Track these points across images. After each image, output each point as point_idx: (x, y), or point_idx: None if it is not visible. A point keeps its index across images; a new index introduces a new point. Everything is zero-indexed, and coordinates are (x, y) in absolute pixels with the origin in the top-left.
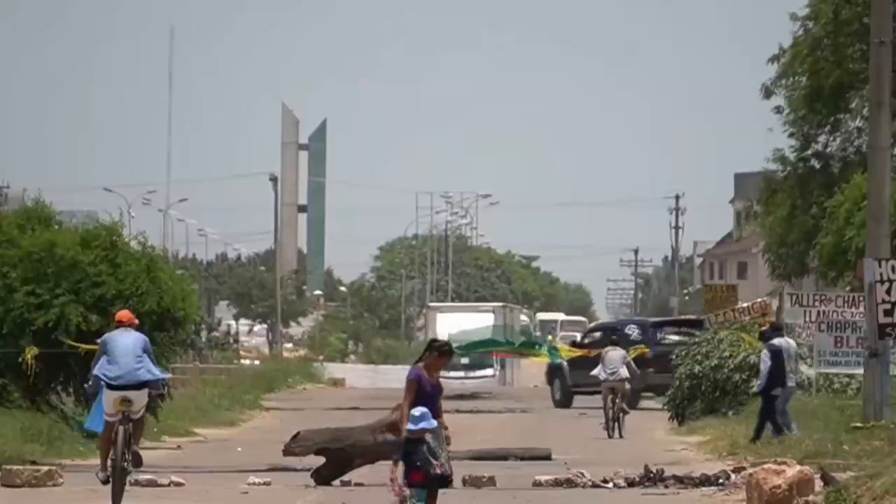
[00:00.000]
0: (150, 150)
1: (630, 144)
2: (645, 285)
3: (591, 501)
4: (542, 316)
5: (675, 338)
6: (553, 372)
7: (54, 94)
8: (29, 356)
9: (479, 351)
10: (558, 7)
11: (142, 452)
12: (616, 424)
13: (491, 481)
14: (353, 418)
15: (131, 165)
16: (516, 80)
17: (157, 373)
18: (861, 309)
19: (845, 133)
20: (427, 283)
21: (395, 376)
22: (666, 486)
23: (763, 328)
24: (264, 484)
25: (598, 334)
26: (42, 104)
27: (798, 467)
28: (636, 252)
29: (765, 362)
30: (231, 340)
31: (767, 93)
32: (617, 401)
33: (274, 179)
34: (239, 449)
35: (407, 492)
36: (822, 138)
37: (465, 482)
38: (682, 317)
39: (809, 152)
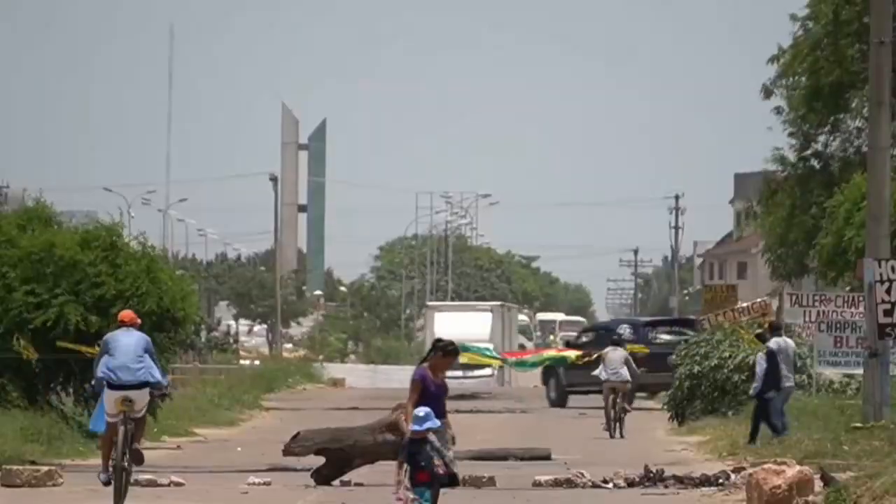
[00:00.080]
0: (150, 150)
1: (630, 144)
2: (645, 285)
3: (591, 501)
4: (541, 316)
5: (668, 337)
6: (548, 372)
7: (54, 94)
8: (25, 352)
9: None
10: (558, 7)
11: (142, 452)
12: (617, 425)
13: (491, 481)
14: (353, 418)
15: (131, 165)
16: (516, 80)
17: (158, 375)
18: (861, 309)
19: (845, 133)
20: (427, 283)
21: (395, 376)
22: (666, 487)
23: (759, 331)
24: (264, 484)
25: (591, 335)
26: (42, 104)
27: (798, 467)
28: (636, 252)
29: (760, 365)
30: (231, 341)
31: (767, 93)
32: (618, 401)
33: (274, 179)
34: (239, 449)
35: (410, 495)
36: (821, 138)
37: (464, 482)
38: (675, 317)
39: (809, 152)
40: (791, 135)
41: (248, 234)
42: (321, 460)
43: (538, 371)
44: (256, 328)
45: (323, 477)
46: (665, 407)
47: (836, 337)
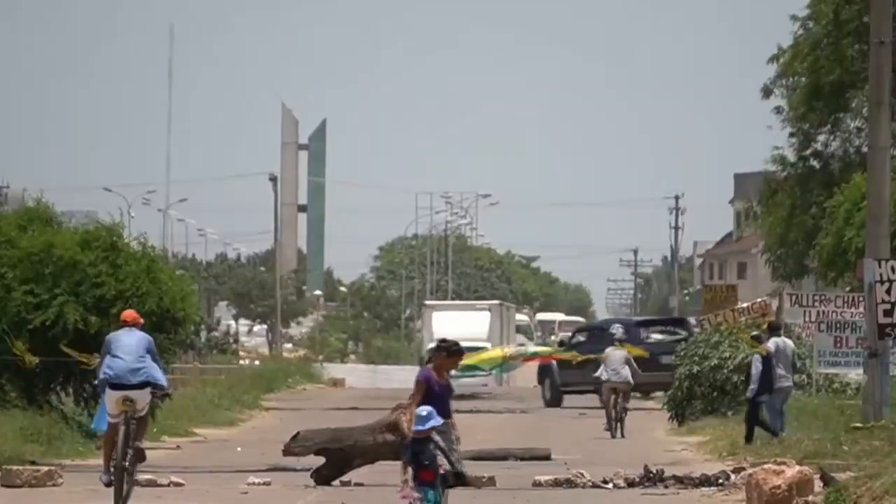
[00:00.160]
0: (150, 150)
1: (630, 144)
2: (645, 285)
3: (591, 502)
4: (541, 316)
5: (660, 337)
6: (543, 372)
7: (54, 94)
8: (25, 358)
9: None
10: (558, 7)
11: (144, 450)
12: (618, 425)
13: (491, 481)
14: (353, 418)
15: (131, 165)
16: (516, 80)
17: (160, 376)
18: (861, 309)
19: (845, 133)
20: (427, 283)
21: (395, 376)
22: (666, 487)
23: (754, 332)
24: (264, 484)
25: (585, 334)
26: (42, 104)
27: (798, 468)
28: (636, 252)
29: (756, 367)
30: (231, 341)
31: (767, 92)
32: (619, 401)
33: (274, 179)
34: (238, 449)
35: (416, 494)
36: (821, 138)
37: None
38: (667, 316)
39: (809, 152)
40: (791, 134)
41: (248, 234)
42: (321, 460)
43: (535, 371)
44: (256, 328)
45: (323, 477)
46: (665, 407)
47: (836, 337)
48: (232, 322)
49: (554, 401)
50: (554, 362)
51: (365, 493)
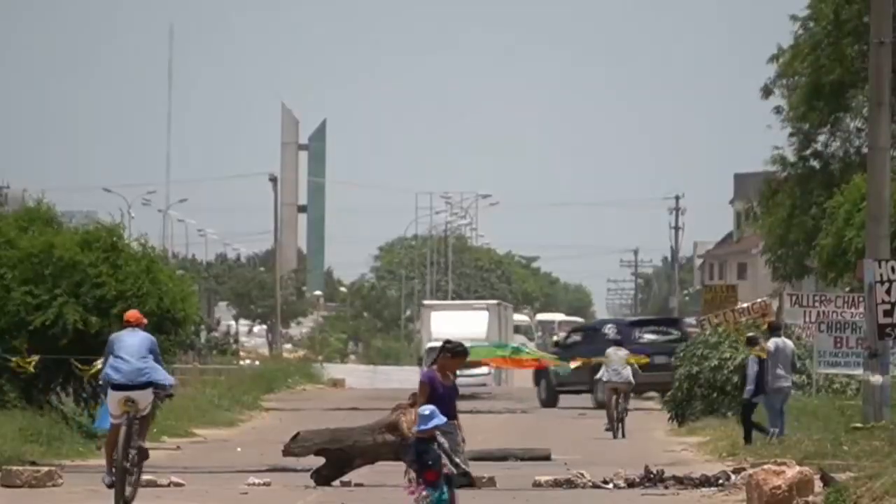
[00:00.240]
0: (150, 150)
1: (630, 144)
2: (645, 286)
3: (591, 502)
4: (541, 317)
5: (652, 337)
6: (539, 373)
7: (54, 94)
8: (29, 365)
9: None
10: (558, 7)
11: (146, 449)
12: (619, 425)
13: (491, 482)
14: (353, 419)
15: (131, 165)
16: (516, 80)
17: (161, 377)
18: (861, 309)
19: (845, 133)
20: (427, 283)
21: (395, 377)
22: (666, 487)
23: (749, 334)
24: (264, 484)
25: (580, 335)
26: (42, 104)
27: (798, 468)
28: (636, 252)
29: (752, 367)
30: (231, 341)
31: (767, 92)
32: (620, 401)
33: (274, 179)
34: (238, 449)
35: (424, 492)
36: (821, 138)
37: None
38: (660, 316)
39: (809, 152)
40: (791, 134)
41: (248, 235)
42: (321, 461)
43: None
44: (256, 328)
45: (323, 477)
46: (664, 407)
47: (836, 337)
48: (232, 322)
49: (550, 401)
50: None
51: (365, 494)
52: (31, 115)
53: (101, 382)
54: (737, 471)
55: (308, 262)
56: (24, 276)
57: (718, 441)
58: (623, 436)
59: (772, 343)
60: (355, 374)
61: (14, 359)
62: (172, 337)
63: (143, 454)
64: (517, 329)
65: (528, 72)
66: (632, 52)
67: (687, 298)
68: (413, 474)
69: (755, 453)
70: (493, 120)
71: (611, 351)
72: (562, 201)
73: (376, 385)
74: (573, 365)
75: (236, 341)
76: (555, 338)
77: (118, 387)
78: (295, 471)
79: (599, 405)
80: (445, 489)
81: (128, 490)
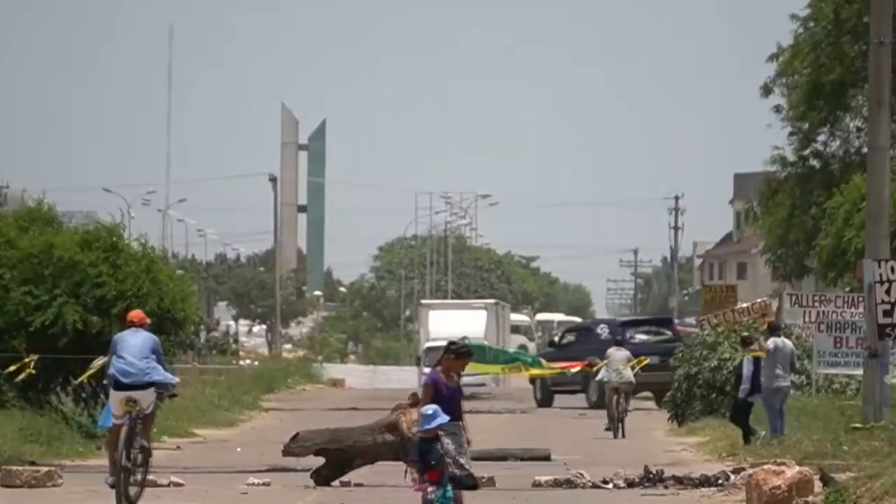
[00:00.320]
0: (150, 150)
1: (630, 144)
2: (645, 286)
3: (591, 502)
4: (540, 316)
5: (644, 337)
6: None
7: (54, 94)
8: (28, 366)
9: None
10: (558, 7)
11: (149, 448)
12: (619, 425)
13: (490, 482)
14: (353, 419)
15: (131, 165)
16: (516, 80)
17: (161, 376)
18: (860, 309)
19: (844, 132)
20: (427, 283)
21: (395, 377)
22: (665, 487)
23: (744, 334)
24: (264, 484)
25: (574, 335)
26: (42, 104)
27: (797, 468)
28: (636, 252)
29: (747, 367)
30: (230, 341)
31: (767, 91)
32: (621, 401)
33: (273, 180)
34: (238, 449)
35: (430, 488)
36: (821, 137)
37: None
38: (652, 316)
39: (809, 151)
40: (791, 133)
41: (248, 234)
42: (321, 461)
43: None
44: (256, 328)
45: (322, 477)
46: (664, 407)
47: (835, 337)
48: (232, 322)
49: (545, 401)
50: (544, 361)
51: (365, 494)
52: (31, 115)
53: (104, 382)
54: (736, 471)
55: (308, 262)
56: (24, 276)
57: (718, 441)
58: (623, 436)
59: (771, 342)
60: (355, 374)
61: (13, 367)
62: (172, 337)
63: (147, 453)
64: (517, 329)
65: (528, 72)
66: (632, 52)
67: (687, 298)
68: (417, 474)
69: (755, 453)
70: (493, 120)
71: (612, 351)
72: (561, 201)
73: (376, 385)
74: (574, 370)
75: (236, 341)
76: (556, 337)
77: (120, 386)
78: (295, 471)
79: (592, 405)
80: (450, 489)
81: (133, 490)
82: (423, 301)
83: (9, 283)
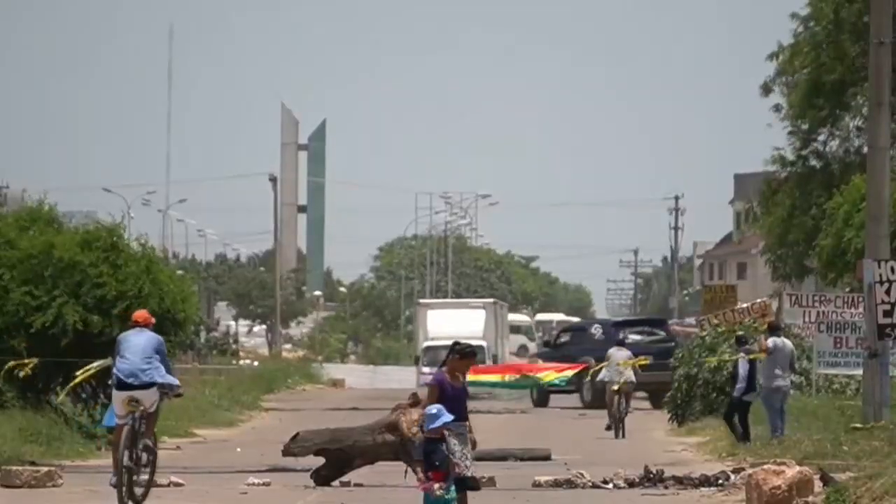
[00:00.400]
0: (150, 151)
1: (630, 144)
2: (645, 286)
3: (591, 502)
4: (540, 317)
5: (637, 338)
6: None
7: (54, 94)
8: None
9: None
10: (558, 7)
11: (152, 447)
12: (620, 425)
13: (491, 482)
14: (353, 419)
15: (131, 165)
16: (516, 80)
17: (162, 377)
18: (860, 309)
19: (844, 132)
20: (427, 283)
21: (395, 377)
22: (666, 487)
23: (739, 333)
24: (264, 484)
25: (568, 335)
26: (42, 104)
27: (797, 468)
28: (636, 252)
29: (743, 366)
30: (230, 341)
31: (766, 90)
32: (622, 401)
33: (273, 180)
34: (238, 449)
35: (435, 485)
36: (821, 137)
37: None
38: (645, 317)
39: (808, 150)
40: (790, 133)
41: (248, 235)
42: (321, 461)
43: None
44: (256, 328)
45: (322, 477)
46: (665, 407)
47: (835, 338)
48: (232, 322)
49: (541, 401)
50: (540, 361)
51: (365, 494)
52: (31, 115)
53: (109, 382)
54: (736, 471)
55: (308, 262)
56: (24, 276)
57: (718, 441)
58: (623, 436)
59: (770, 342)
60: (355, 374)
61: (11, 363)
62: (173, 338)
63: (151, 453)
64: (517, 329)
65: (528, 72)
66: (632, 52)
67: (687, 298)
68: (422, 473)
69: (755, 453)
70: (493, 120)
71: (613, 351)
72: (561, 201)
73: (376, 385)
74: (570, 373)
75: (236, 341)
76: (546, 337)
77: (122, 386)
78: (295, 471)
79: (587, 405)
80: (454, 489)
81: (139, 490)
82: (421, 300)
83: (8, 283)
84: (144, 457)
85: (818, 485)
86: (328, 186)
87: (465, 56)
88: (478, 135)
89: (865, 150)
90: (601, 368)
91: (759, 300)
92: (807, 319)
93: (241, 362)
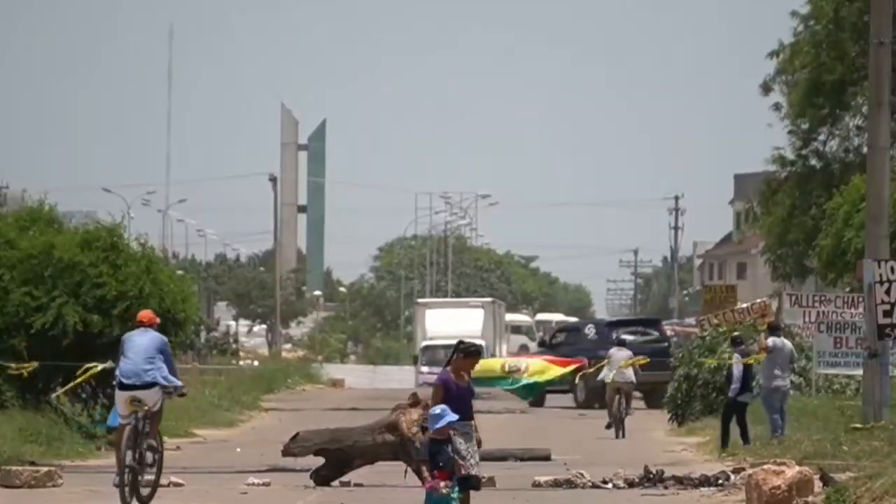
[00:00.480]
0: (150, 150)
1: (630, 144)
2: (645, 286)
3: (591, 502)
4: (540, 317)
5: (631, 338)
6: None
7: (54, 94)
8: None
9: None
10: (558, 7)
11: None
12: (620, 425)
13: (490, 482)
14: (353, 419)
15: (131, 165)
16: (516, 80)
17: (164, 377)
18: (860, 309)
19: (844, 131)
20: (427, 283)
21: (395, 377)
22: (665, 487)
23: (734, 334)
24: (263, 485)
25: (563, 335)
26: (42, 104)
27: (797, 468)
28: (636, 252)
29: (737, 367)
30: (230, 341)
31: (766, 88)
32: (622, 402)
33: (273, 180)
34: (238, 450)
35: (441, 483)
36: (821, 137)
37: None
38: (639, 317)
39: (808, 150)
40: (790, 132)
41: (248, 235)
42: (320, 461)
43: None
44: (256, 328)
45: (322, 477)
46: (666, 408)
47: (835, 338)
48: (231, 322)
49: (537, 401)
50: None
51: (364, 494)
52: (31, 115)
53: (114, 383)
54: (736, 471)
55: (308, 263)
56: (24, 276)
57: (718, 441)
58: (623, 436)
59: (770, 342)
60: (355, 374)
61: (12, 366)
62: (173, 338)
63: (156, 452)
64: (518, 329)
65: (528, 72)
66: (632, 52)
67: (686, 299)
68: (427, 473)
69: (755, 453)
70: (493, 120)
71: (613, 351)
72: (561, 201)
73: (376, 385)
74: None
75: (236, 341)
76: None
77: (123, 386)
78: (294, 471)
79: (580, 404)
80: (457, 490)
81: (145, 490)
82: (419, 300)
83: (8, 284)
84: (149, 456)
85: (818, 485)
86: (328, 186)
87: (465, 56)
88: (478, 135)
89: (865, 149)
90: (599, 368)
91: (759, 300)
92: (807, 319)
93: (241, 362)
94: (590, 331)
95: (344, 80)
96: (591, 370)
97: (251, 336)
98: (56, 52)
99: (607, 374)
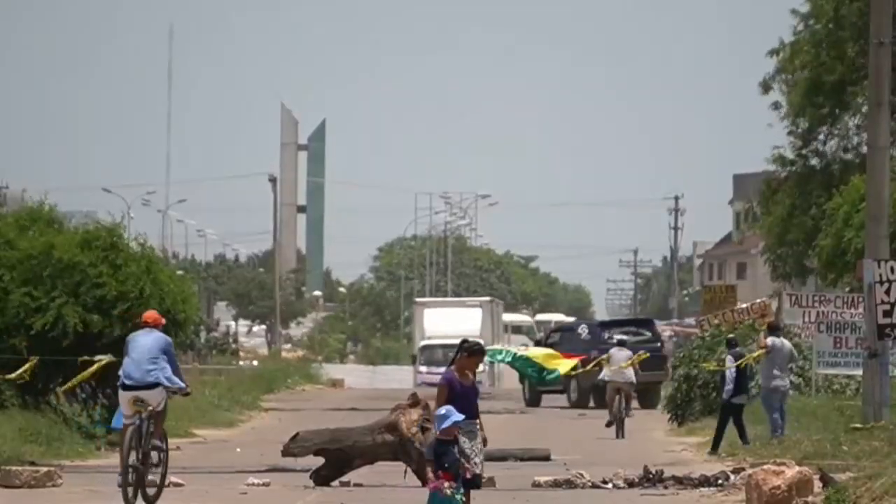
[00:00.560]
0: (150, 151)
1: (630, 144)
2: (645, 286)
3: (591, 502)
4: (540, 317)
5: (623, 338)
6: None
7: (54, 94)
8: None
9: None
10: (558, 7)
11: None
12: (620, 425)
13: (490, 482)
14: (353, 419)
15: (131, 165)
16: (516, 80)
17: (166, 377)
18: (860, 310)
19: (843, 131)
20: (426, 283)
21: (394, 377)
22: (665, 487)
23: (729, 335)
24: (263, 485)
25: (558, 335)
26: (42, 104)
27: (797, 468)
28: (636, 252)
29: (731, 369)
30: (230, 341)
31: (766, 87)
32: (622, 402)
33: (273, 180)
34: (238, 450)
35: (445, 483)
36: (821, 136)
37: None
38: (632, 317)
39: (808, 150)
40: (790, 132)
41: (248, 235)
42: (320, 461)
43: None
44: (256, 328)
45: (322, 478)
46: (666, 409)
47: (835, 338)
48: (231, 322)
49: (533, 401)
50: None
51: (364, 494)
52: (31, 115)
53: (118, 383)
54: (736, 471)
55: (307, 263)
56: (24, 277)
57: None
58: (623, 436)
59: (769, 341)
60: (354, 375)
61: (13, 375)
62: (173, 338)
63: (162, 452)
64: (518, 329)
65: (528, 72)
66: (632, 52)
67: (686, 299)
68: (431, 473)
69: (755, 453)
70: (493, 120)
71: (613, 351)
72: (561, 201)
73: (375, 385)
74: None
75: (235, 341)
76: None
77: (126, 387)
78: (294, 471)
79: (573, 404)
80: (461, 491)
81: (152, 490)
82: (418, 299)
83: (8, 284)
84: (155, 456)
85: (818, 485)
86: (328, 186)
87: (465, 56)
88: (478, 135)
89: (865, 149)
90: (597, 365)
91: (758, 300)
92: (806, 319)
93: (241, 362)
94: (583, 331)
95: (344, 80)
96: (587, 369)
97: (251, 336)
98: (56, 52)
99: (606, 374)
